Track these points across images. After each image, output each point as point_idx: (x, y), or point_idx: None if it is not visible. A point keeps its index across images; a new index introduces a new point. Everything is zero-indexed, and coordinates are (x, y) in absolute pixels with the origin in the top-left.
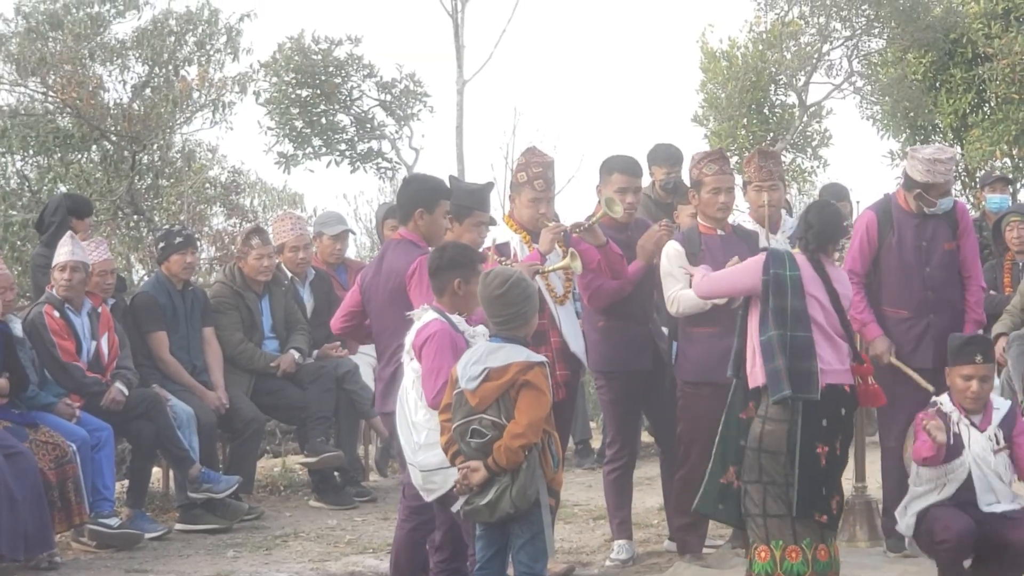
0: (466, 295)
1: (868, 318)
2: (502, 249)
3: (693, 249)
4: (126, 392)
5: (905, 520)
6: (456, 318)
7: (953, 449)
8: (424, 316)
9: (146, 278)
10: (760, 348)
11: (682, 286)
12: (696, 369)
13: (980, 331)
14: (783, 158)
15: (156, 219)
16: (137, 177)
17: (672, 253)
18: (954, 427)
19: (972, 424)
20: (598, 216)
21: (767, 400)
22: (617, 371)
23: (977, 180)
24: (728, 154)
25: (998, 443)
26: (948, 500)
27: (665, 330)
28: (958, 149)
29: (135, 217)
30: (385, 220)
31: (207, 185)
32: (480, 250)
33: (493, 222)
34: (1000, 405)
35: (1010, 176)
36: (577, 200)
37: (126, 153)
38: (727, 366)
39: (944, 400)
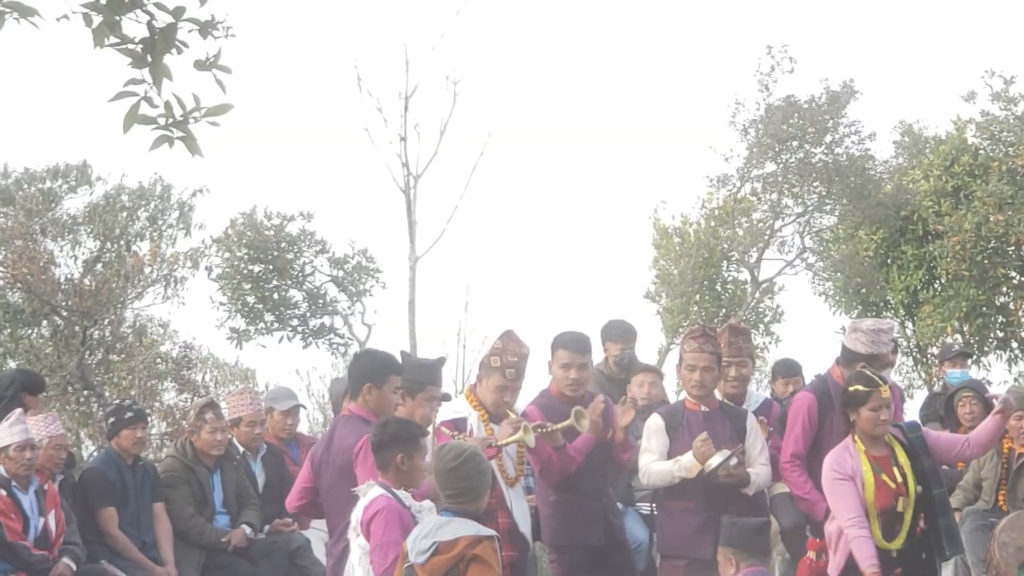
0: (410, 470)
1: (817, 497)
2: (458, 424)
3: (674, 424)
4: (74, 567)
5: None
6: (402, 493)
7: None
8: (370, 492)
9: (95, 453)
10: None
11: (655, 458)
12: (671, 543)
13: None
14: None
15: (106, 394)
16: (88, 352)
17: (652, 427)
18: None
19: None
20: (564, 424)
21: None
22: (569, 544)
23: (930, 356)
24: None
25: None
26: None
27: (620, 505)
28: (909, 325)
29: (85, 392)
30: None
31: (158, 360)
32: (431, 426)
33: (446, 397)
34: None
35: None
36: (529, 376)
37: (77, 328)
38: (702, 540)
39: None
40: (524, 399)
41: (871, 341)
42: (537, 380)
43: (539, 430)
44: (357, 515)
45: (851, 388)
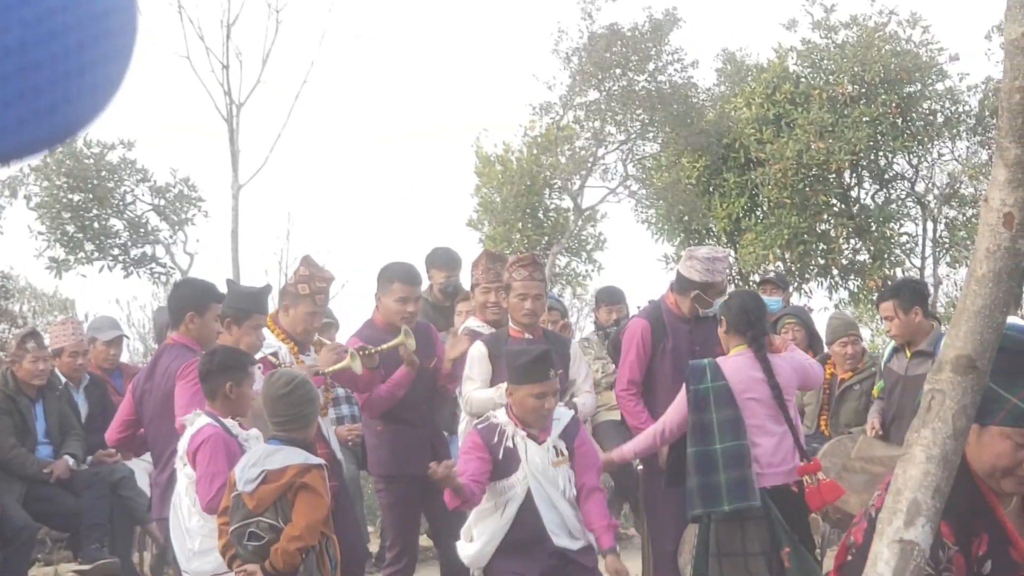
0: (238, 398)
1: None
2: (274, 358)
3: (497, 352)
4: None
5: (471, 549)
6: (229, 422)
7: (509, 464)
8: (197, 421)
9: None
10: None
11: (478, 385)
12: None
13: None
14: (558, 262)
15: None
16: None
17: (475, 355)
18: (508, 441)
19: (530, 436)
20: (390, 344)
21: None
22: (396, 475)
23: (752, 283)
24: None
25: (559, 455)
26: (516, 536)
27: (446, 433)
28: (731, 252)
29: None
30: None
31: None
32: (259, 353)
33: None
34: (560, 415)
35: (788, 278)
36: (351, 306)
37: None
38: None
39: (499, 414)
40: (346, 331)
41: (706, 269)
42: (352, 307)
43: (362, 352)
44: (183, 444)
45: None
